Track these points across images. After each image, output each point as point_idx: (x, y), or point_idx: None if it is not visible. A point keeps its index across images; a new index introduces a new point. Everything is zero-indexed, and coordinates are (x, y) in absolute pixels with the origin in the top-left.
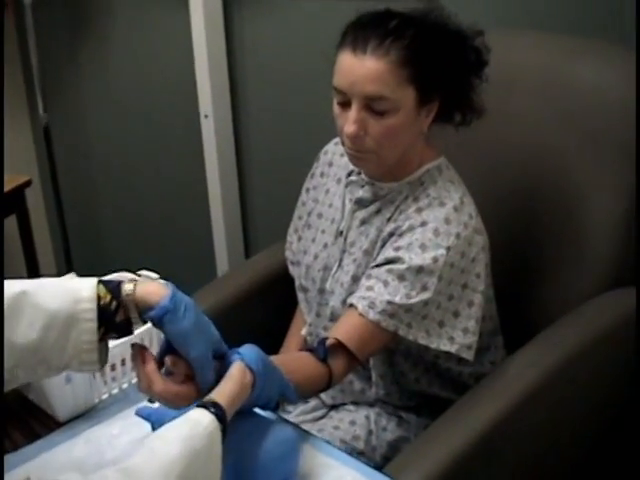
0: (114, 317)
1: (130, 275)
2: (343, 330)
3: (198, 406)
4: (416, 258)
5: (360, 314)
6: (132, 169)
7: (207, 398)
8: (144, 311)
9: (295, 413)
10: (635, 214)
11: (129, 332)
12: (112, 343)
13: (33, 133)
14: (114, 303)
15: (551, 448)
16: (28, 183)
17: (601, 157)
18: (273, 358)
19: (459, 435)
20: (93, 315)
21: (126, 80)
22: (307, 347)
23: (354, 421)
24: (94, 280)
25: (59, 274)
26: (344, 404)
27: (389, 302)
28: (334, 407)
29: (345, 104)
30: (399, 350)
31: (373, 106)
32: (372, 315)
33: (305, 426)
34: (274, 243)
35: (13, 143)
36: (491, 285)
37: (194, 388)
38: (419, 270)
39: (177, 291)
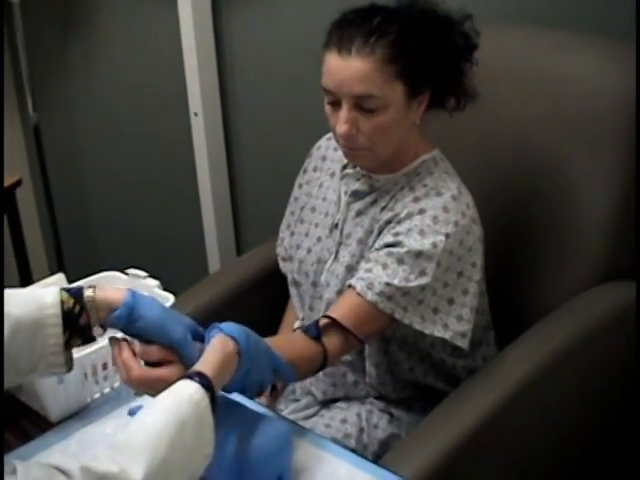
0: (78, 320)
1: (91, 282)
2: (339, 309)
3: (181, 378)
4: (415, 243)
5: (358, 294)
6: (122, 167)
7: (190, 370)
8: (108, 315)
9: (287, 411)
10: (634, 208)
11: (92, 337)
12: (103, 342)
13: (23, 132)
14: (77, 307)
15: (543, 442)
16: (19, 182)
17: (593, 150)
18: (265, 340)
19: (451, 429)
20: (58, 320)
21: (116, 79)
22: (301, 328)
23: (345, 419)
24: (57, 287)
25: (50, 273)
26: (336, 400)
27: (387, 284)
28: (325, 405)
29: (335, 103)
30: (395, 339)
31: (363, 105)
32: (370, 296)
33: (299, 423)
34: (265, 240)
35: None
36: (484, 279)
37: (176, 371)
38: (418, 255)
39: (136, 291)
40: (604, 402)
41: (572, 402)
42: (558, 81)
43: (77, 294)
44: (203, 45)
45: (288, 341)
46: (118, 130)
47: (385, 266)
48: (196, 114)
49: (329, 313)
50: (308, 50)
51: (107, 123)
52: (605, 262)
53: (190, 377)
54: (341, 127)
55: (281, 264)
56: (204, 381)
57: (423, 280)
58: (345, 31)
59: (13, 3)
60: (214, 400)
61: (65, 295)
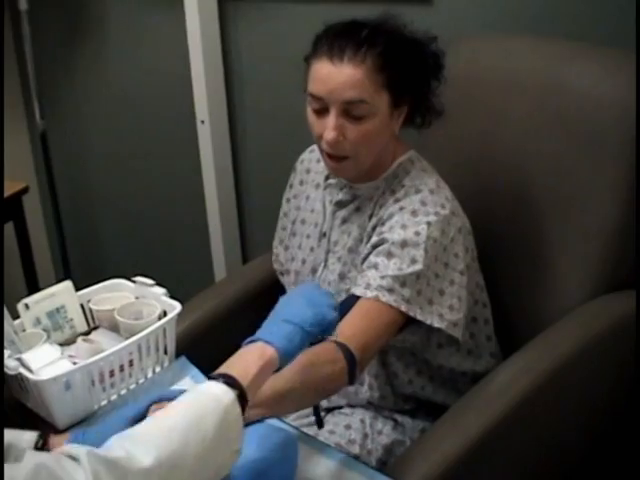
0: None
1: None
2: (346, 327)
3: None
4: (398, 236)
5: (359, 297)
6: (129, 175)
7: (213, 373)
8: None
9: (291, 417)
10: (635, 218)
11: None
12: (111, 350)
13: (30, 140)
14: None
15: (547, 452)
16: (25, 190)
17: (597, 161)
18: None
19: (456, 438)
20: None
21: (122, 86)
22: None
23: (349, 425)
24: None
25: (57, 280)
26: (340, 407)
27: (382, 277)
28: (329, 411)
29: (321, 111)
30: (393, 349)
31: (352, 111)
32: (370, 293)
33: (303, 430)
34: (271, 249)
35: (10, 150)
36: (479, 271)
37: None
38: (403, 244)
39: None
40: (607, 411)
41: (576, 411)
42: (560, 91)
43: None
44: (210, 53)
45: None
46: (125, 137)
47: (376, 265)
48: (203, 122)
49: (337, 337)
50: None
51: (114, 130)
52: (609, 272)
53: (214, 378)
54: (329, 133)
55: (280, 278)
56: (228, 380)
57: (416, 267)
58: (335, 41)
59: (21, 11)
60: (244, 397)
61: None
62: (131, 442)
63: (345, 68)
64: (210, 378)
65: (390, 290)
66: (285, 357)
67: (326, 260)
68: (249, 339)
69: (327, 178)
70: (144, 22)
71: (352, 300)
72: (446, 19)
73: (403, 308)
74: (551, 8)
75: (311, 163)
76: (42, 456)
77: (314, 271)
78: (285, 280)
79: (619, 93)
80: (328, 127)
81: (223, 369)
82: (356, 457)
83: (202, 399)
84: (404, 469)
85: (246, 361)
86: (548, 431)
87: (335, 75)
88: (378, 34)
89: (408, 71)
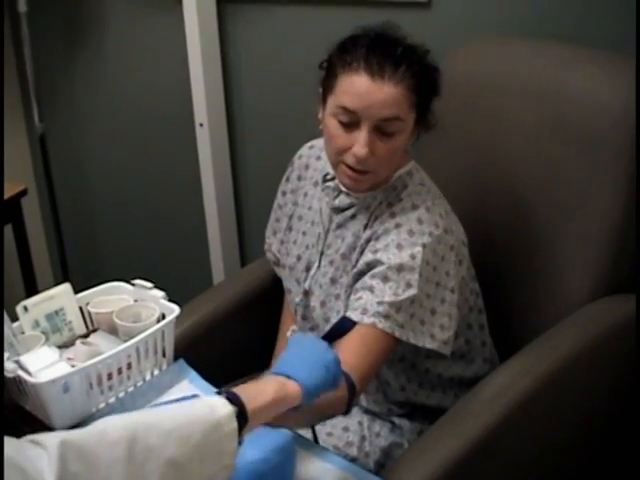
0: None
1: None
2: (345, 353)
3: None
4: (394, 258)
5: (355, 322)
6: (128, 177)
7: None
8: None
9: None
10: (635, 222)
11: None
12: (109, 352)
13: (29, 142)
14: None
15: (545, 454)
16: (24, 192)
17: (597, 164)
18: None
19: (454, 441)
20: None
21: (121, 89)
22: None
23: (347, 427)
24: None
25: (56, 283)
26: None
27: (379, 303)
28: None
29: (350, 125)
30: None
31: (384, 128)
32: (367, 319)
33: (299, 433)
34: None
35: (9, 152)
36: (475, 278)
37: None
38: (399, 268)
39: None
40: (607, 413)
41: (574, 414)
42: (560, 95)
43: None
44: (209, 56)
45: None
46: (123, 140)
47: (372, 289)
48: (201, 125)
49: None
50: (314, 62)
51: (112, 133)
52: (609, 275)
53: (219, 393)
54: (361, 150)
55: (275, 269)
56: (231, 396)
57: (411, 292)
58: (371, 57)
59: (20, 13)
60: (244, 417)
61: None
62: (112, 424)
63: (386, 86)
64: (217, 393)
65: (386, 317)
66: (308, 397)
67: (320, 261)
68: (274, 371)
69: (325, 180)
70: (143, 25)
71: (347, 323)
72: (444, 23)
73: (397, 334)
74: (550, 11)
75: (310, 159)
76: (6, 447)
77: (308, 269)
78: (281, 272)
79: (619, 97)
80: (359, 143)
81: (236, 389)
82: (354, 459)
83: (197, 406)
84: (402, 472)
85: (261, 388)
86: (547, 433)
87: (375, 92)
88: (411, 52)
89: (432, 92)
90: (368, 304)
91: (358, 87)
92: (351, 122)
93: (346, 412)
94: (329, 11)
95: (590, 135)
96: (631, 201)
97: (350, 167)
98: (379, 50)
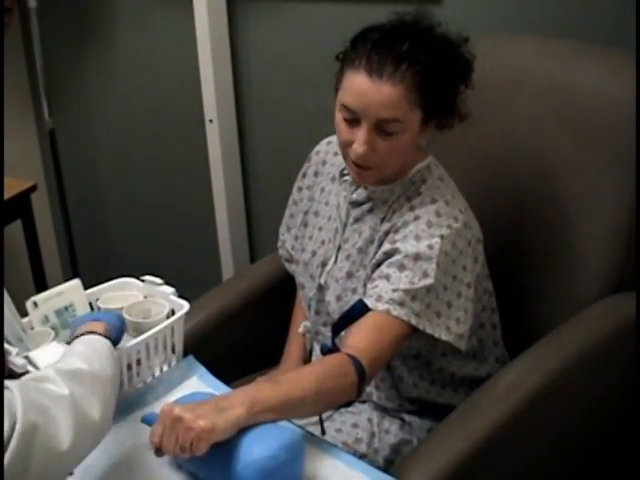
0: None
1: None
2: (356, 339)
3: None
4: (412, 247)
5: (370, 309)
6: (137, 173)
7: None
8: None
9: None
10: (636, 219)
11: None
12: (118, 348)
13: (39, 138)
14: None
15: (553, 452)
16: (33, 188)
17: (602, 161)
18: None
19: (463, 439)
20: None
21: (131, 85)
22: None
23: (356, 424)
24: None
25: (65, 279)
26: (347, 405)
27: (394, 290)
28: (337, 409)
29: (352, 121)
30: (397, 354)
31: (384, 127)
32: (381, 306)
33: (308, 429)
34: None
35: (19, 148)
36: (489, 277)
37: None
38: (416, 257)
39: None
40: (614, 412)
41: (582, 411)
42: (568, 91)
43: None
44: (219, 52)
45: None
46: (133, 136)
47: (388, 277)
48: (211, 121)
49: (347, 349)
50: (323, 58)
51: (122, 129)
52: (615, 273)
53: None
54: (359, 147)
55: (286, 265)
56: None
57: (427, 281)
58: (373, 54)
59: (30, 9)
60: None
61: None
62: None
63: (384, 86)
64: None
65: (401, 304)
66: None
67: (336, 256)
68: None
69: (342, 174)
70: (153, 21)
71: (361, 307)
72: (454, 18)
73: (413, 322)
74: (561, 8)
75: (327, 155)
76: None
77: (324, 264)
78: (292, 268)
79: (627, 93)
80: (358, 141)
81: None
82: (363, 456)
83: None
84: (411, 469)
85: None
86: (554, 431)
87: (372, 92)
88: (419, 48)
89: (445, 89)
90: (383, 291)
91: (357, 86)
92: (353, 119)
93: (358, 395)
94: (339, 6)
95: (600, 131)
96: (635, 198)
97: (353, 161)
98: (383, 47)
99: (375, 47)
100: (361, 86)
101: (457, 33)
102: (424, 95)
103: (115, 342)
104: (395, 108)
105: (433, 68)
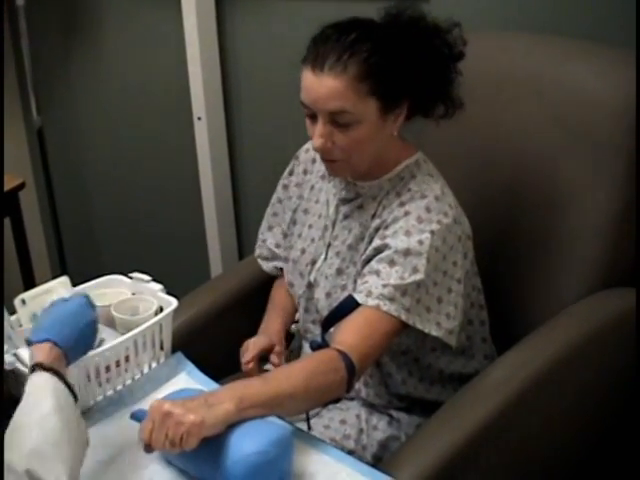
0: None
1: None
2: (345, 335)
3: None
4: (402, 243)
5: (360, 304)
6: (125, 171)
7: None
8: None
9: None
10: (635, 215)
11: None
12: (107, 345)
13: (27, 135)
14: None
15: (543, 447)
16: (22, 185)
17: (593, 159)
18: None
19: (451, 434)
20: None
21: (119, 82)
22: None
23: (345, 420)
24: None
25: (53, 276)
26: (335, 401)
27: (384, 285)
28: (325, 405)
29: (313, 117)
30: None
31: (337, 119)
32: (371, 301)
33: (296, 425)
34: None
35: (7, 145)
36: (477, 274)
37: None
38: (406, 252)
39: None
40: (604, 408)
41: (572, 407)
42: (558, 89)
43: None
44: (207, 49)
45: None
46: (121, 134)
47: (378, 272)
48: (199, 118)
49: (337, 345)
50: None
51: (111, 127)
52: (605, 269)
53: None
54: (317, 141)
55: (263, 265)
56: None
57: (418, 276)
58: (320, 48)
59: (18, 6)
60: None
61: None
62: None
63: (325, 79)
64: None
65: (391, 299)
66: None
67: (326, 253)
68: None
69: None
70: (141, 18)
71: (351, 302)
72: (442, 16)
73: (403, 317)
74: (550, 5)
75: (317, 153)
76: None
77: (313, 262)
78: (269, 266)
79: (618, 92)
80: (315, 134)
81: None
82: (351, 452)
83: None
84: (399, 465)
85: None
86: (544, 427)
87: (316, 86)
88: (365, 39)
89: (401, 74)
90: (373, 287)
91: (305, 81)
92: (311, 114)
93: (348, 391)
94: (328, 5)
95: (589, 130)
96: (629, 196)
97: (321, 157)
98: (330, 41)
99: (322, 42)
100: (307, 81)
101: (446, 19)
102: (376, 83)
103: (71, 360)
104: (340, 99)
105: (381, 55)
